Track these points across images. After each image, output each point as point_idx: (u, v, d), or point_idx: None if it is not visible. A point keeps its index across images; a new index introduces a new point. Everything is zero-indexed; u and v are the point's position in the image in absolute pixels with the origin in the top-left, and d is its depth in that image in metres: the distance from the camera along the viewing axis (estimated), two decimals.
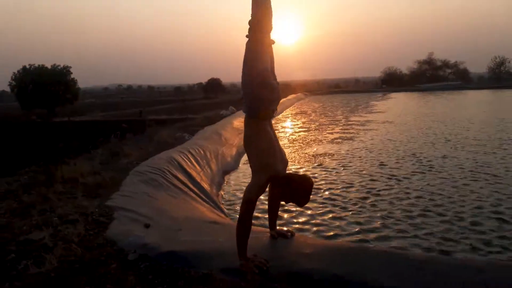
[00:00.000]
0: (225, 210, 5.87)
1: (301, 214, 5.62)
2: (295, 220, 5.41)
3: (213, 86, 65.36)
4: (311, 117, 21.16)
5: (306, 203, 3.06)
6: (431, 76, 64.47)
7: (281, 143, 3.74)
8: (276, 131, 3.38)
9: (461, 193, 6.40)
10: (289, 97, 35.36)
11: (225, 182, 7.84)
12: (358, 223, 5.25)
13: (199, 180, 6.70)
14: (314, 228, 5.12)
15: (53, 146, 6.17)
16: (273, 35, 3.02)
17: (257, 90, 2.89)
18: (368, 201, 6.17)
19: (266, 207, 3.41)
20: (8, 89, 39.53)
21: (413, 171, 8.04)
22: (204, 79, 73.20)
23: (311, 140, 12.89)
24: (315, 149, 11.15)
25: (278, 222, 3.57)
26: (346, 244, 3.35)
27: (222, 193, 7.04)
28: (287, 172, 3.13)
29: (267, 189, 3.10)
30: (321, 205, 5.98)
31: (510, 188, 6.56)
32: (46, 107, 35.89)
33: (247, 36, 2.87)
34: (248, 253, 2.86)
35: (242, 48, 2.91)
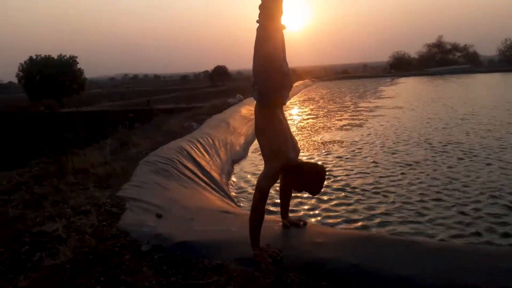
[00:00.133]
0: (235, 200, 5.87)
1: (308, 201, 5.60)
2: (302, 208, 5.39)
3: (219, 74, 65.01)
4: (319, 104, 21.02)
5: (319, 192, 3.03)
6: (440, 59, 63.58)
7: None
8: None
9: (473, 179, 6.34)
10: (296, 83, 35.11)
11: (234, 171, 7.83)
12: (368, 211, 5.23)
13: (208, 170, 6.70)
14: (323, 215, 5.11)
15: (62, 137, 6.17)
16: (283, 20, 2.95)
17: (269, 77, 2.84)
18: (378, 188, 6.13)
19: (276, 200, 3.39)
20: (15, 80, 39.69)
21: (424, 157, 7.97)
22: (210, 67, 72.90)
23: (319, 127, 12.82)
24: (323, 136, 11.09)
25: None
26: (360, 233, 3.33)
27: (232, 182, 7.04)
28: (299, 160, 3.10)
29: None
30: (330, 193, 5.95)
31: None
32: (54, 97, 36.03)
33: (257, 21, 2.81)
34: (261, 243, 2.85)
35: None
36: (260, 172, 6.87)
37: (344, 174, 6.98)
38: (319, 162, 7.27)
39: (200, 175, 6.23)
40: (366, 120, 13.67)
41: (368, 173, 6.98)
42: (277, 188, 3.46)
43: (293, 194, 3.53)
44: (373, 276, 2.44)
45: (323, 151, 9.13)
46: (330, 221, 4.97)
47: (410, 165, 7.42)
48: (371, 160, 7.93)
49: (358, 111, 16.65)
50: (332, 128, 12.50)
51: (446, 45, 65.79)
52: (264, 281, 2.52)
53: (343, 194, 5.95)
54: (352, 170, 7.24)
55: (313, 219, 4.96)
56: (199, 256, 2.90)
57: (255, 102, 3.02)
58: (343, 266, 2.55)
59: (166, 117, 12.78)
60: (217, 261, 2.80)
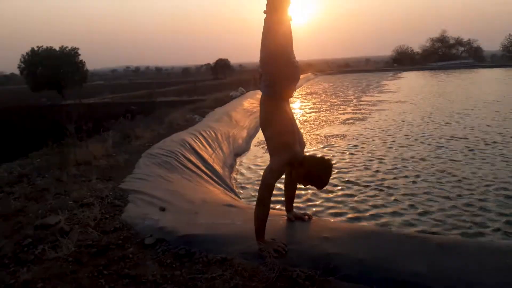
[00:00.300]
0: (238, 193, 5.84)
1: (311, 195, 5.56)
2: (302, 201, 5.36)
3: (221, 67, 64.78)
4: (321, 98, 20.93)
5: (324, 186, 2.99)
6: (444, 54, 63.24)
7: None
8: None
9: (476, 174, 6.29)
10: None
11: (237, 165, 7.79)
12: (369, 205, 5.20)
13: (211, 163, 6.66)
14: (324, 210, 5.08)
15: (64, 129, 6.13)
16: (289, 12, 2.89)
17: (278, 68, 2.78)
18: (381, 183, 6.09)
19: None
20: (17, 71, 39.57)
21: (428, 152, 7.92)
22: (211, 60, 72.63)
23: (322, 121, 12.75)
24: (326, 130, 11.03)
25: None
26: (367, 227, 3.29)
27: (235, 175, 7.01)
28: (304, 154, 3.05)
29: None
30: (332, 187, 5.92)
31: None
32: (55, 89, 35.96)
33: (265, 12, 2.75)
34: (266, 237, 2.82)
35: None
36: (263, 166, 6.89)
37: (347, 167, 6.94)
38: (327, 157, 7.23)
39: (203, 168, 6.20)
40: (369, 114, 13.59)
41: (371, 168, 6.93)
42: (283, 181, 3.41)
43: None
44: (381, 272, 2.40)
45: (326, 144, 9.08)
46: (331, 212, 4.97)
47: (413, 159, 7.38)
48: (374, 154, 7.88)
49: (361, 105, 16.56)
50: (335, 122, 12.43)
51: (450, 39, 65.39)
52: (269, 276, 2.49)
53: (345, 188, 5.91)
54: (354, 164, 7.20)
55: (313, 211, 4.93)
56: (203, 250, 2.86)
57: (258, 95, 2.97)
58: (350, 261, 2.51)
59: (169, 109, 12.73)
60: (222, 255, 2.76)
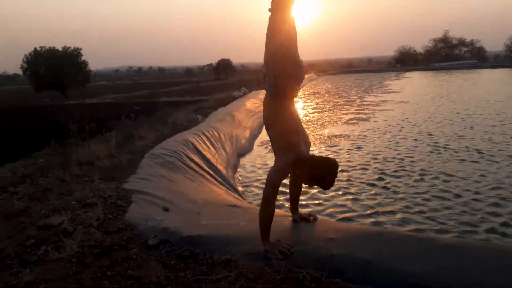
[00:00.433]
0: (242, 193, 5.81)
1: (313, 196, 5.53)
2: (306, 202, 5.33)
3: (224, 67, 64.75)
4: (324, 98, 20.90)
5: (330, 187, 2.94)
6: (446, 54, 63.13)
7: None
8: None
9: (478, 175, 6.26)
10: None
11: (240, 165, 7.77)
12: (373, 206, 5.18)
13: (214, 163, 6.64)
14: (328, 210, 5.06)
15: (67, 129, 6.11)
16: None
17: (283, 67, 2.75)
18: (384, 183, 6.07)
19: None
20: (20, 72, 39.66)
21: (430, 152, 7.88)
22: (214, 60, 72.64)
23: (325, 121, 12.72)
24: (330, 130, 11.00)
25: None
26: (373, 228, 3.25)
27: (238, 175, 6.98)
28: (310, 154, 3.02)
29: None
30: (336, 187, 5.88)
31: None
32: (58, 89, 36.03)
33: (269, 10, 2.72)
34: (271, 238, 2.78)
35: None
36: (266, 166, 6.86)
37: (350, 168, 6.91)
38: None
39: (206, 168, 6.17)
40: (373, 115, 13.55)
41: (374, 168, 6.90)
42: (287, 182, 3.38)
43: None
44: (387, 273, 2.37)
45: (329, 145, 9.05)
46: (331, 214, 4.95)
47: (416, 159, 7.35)
48: (378, 155, 7.85)
49: (364, 105, 16.52)
50: (338, 122, 12.40)
51: (453, 40, 65.27)
52: (275, 278, 2.45)
53: (346, 188, 5.89)
54: (358, 164, 7.18)
55: (316, 211, 4.90)
56: (208, 251, 2.83)
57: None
58: (357, 262, 2.47)
59: (171, 110, 12.71)
60: (226, 256, 2.73)
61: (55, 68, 35.38)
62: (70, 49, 38.29)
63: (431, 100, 17.20)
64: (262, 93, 16.07)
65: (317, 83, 34.47)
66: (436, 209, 4.97)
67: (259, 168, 7.28)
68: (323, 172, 2.79)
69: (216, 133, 8.58)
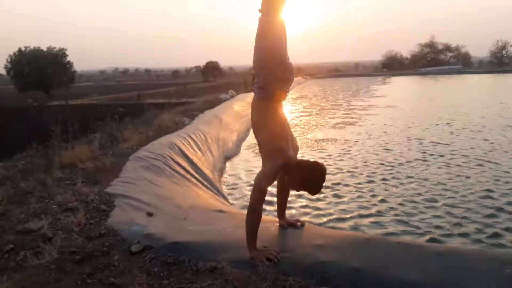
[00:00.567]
0: (228, 197, 5.74)
1: (296, 200, 5.49)
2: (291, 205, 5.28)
3: (211, 69, 64.58)
4: (312, 101, 20.96)
5: (318, 192, 2.91)
6: (432, 59, 63.99)
7: None
8: None
9: (462, 181, 6.27)
10: None
11: (227, 168, 7.69)
12: (359, 210, 5.18)
13: (200, 166, 6.55)
14: (314, 214, 5.06)
15: (50, 130, 5.97)
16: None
17: (272, 70, 2.69)
18: (371, 187, 6.08)
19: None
20: (3, 71, 39.07)
21: (417, 157, 7.92)
22: (201, 62, 72.39)
23: (312, 125, 12.72)
24: (317, 134, 10.99)
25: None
26: (361, 235, 3.21)
27: (224, 179, 6.91)
28: (298, 158, 2.97)
29: None
30: (323, 192, 5.85)
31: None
32: (42, 90, 35.53)
33: (260, 11, 2.67)
34: (258, 244, 2.72)
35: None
36: (253, 170, 6.77)
37: (336, 172, 6.91)
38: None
39: (192, 171, 6.08)
40: (359, 119, 13.61)
41: (361, 172, 6.91)
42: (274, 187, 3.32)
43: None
44: (377, 281, 2.32)
45: (316, 149, 9.03)
46: (320, 216, 4.95)
47: (403, 164, 7.37)
48: (365, 159, 7.86)
49: (351, 109, 16.60)
50: (325, 126, 12.42)
51: (438, 45, 66.20)
52: (261, 285, 2.39)
53: (335, 192, 5.87)
54: (344, 168, 7.18)
55: (302, 216, 4.86)
56: (193, 258, 2.75)
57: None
58: (345, 270, 2.42)
59: (157, 111, 12.58)
60: (212, 263, 2.65)
61: (39, 69, 34.92)
62: (55, 50, 37.82)
63: (417, 105, 17.38)
64: (249, 96, 16.02)
65: (304, 87, 34.58)
66: (422, 214, 4.97)
67: (246, 172, 7.22)
68: (311, 177, 2.75)
69: (202, 136, 8.50)
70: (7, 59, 36.39)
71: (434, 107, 16.44)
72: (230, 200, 5.59)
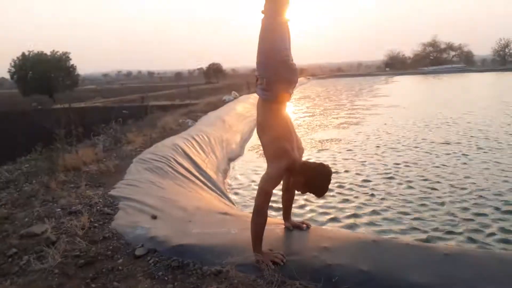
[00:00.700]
0: (233, 199, 5.70)
1: (300, 201, 5.44)
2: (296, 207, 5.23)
3: (214, 71, 64.65)
4: (315, 102, 20.91)
5: (324, 194, 2.86)
6: (435, 58, 63.78)
7: None
8: None
9: (471, 180, 6.21)
10: None
11: (231, 170, 7.66)
12: (366, 212, 5.12)
13: (204, 168, 6.52)
14: (321, 217, 4.99)
15: (54, 133, 5.95)
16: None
17: (276, 71, 2.65)
18: (375, 188, 6.02)
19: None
20: (8, 76, 39.21)
21: (421, 156, 7.86)
22: (204, 64, 72.49)
23: (316, 125, 12.67)
24: (320, 134, 10.94)
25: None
26: (367, 236, 3.16)
27: (228, 180, 6.87)
28: (303, 160, 2.92)
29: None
30: (328, 193, 5.81)
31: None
32: (46, 93, 35.65)
33: (262, 12, 2.63)
34: (263, 247, 2.68)
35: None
36: (257, 171, 6.73)
37: (341, 172, 6.87)
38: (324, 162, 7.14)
39: (196, 173, 6.05)
40: (363, 119, 13.55)
41: (366, 173, 6.86)
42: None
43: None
44: (386, 284, 2.28)
45: (320, 149, 8.99)
46: (326, 218, 4.91)
47: (407, 164, 7.32)
48: (369, 159, 7.81)
49: (354, 109, 16.53)
50: (329, 126, 12.36)
51: (441, 44, 65.99)
52: None
53: (340, 193, 5.83)
54: (349, 169, 7.14)
55: (308, 218, 4.82)
56: (198, 261, 2.72)
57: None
58: (353, 273, 2.38)
59: (161, 114, 12.57)
60: (217, 266, 2.62)
61: (43, 72, 35.04)
62: (58, 54, 37.94)
63: (420, 104, 17.28)
64: (252, 97, 16.00)
65: (307, 87, 34.52)
66: (427, 215, 4.92)
67: (250, 173, 7.18)
68: (317, 180, 2.72)
69: (206, 138, 8.47)
70: (10, 63, 36.55)
71: (438, 106, 16.35)
72: (234, 202, 5.55)
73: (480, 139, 9.23)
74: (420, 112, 14.55)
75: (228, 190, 6.18)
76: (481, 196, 5.43)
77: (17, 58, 36.55)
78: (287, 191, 3.12)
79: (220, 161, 7.72)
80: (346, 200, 5.53)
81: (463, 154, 7.87)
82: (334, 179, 6.30)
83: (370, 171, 6.96)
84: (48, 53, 37.51)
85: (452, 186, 5.95)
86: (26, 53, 36.73)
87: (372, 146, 9.09)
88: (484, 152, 7.97)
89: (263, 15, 2.66)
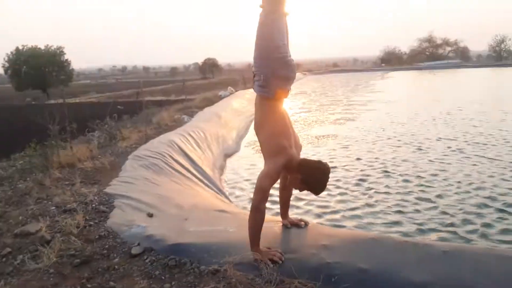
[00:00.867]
0: (229, 196, 5.66)
1: (298, 198, 5.41)
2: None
3: (210, 66, 64.38)
4: (311, 97, 20.87)
5: (322, 191, 2.83)
6: (431, 54, 63.80)
7: None
8: None
9: (466, 176, 6.23)
10: None
11: (227, 166, 7.62)
12: (362, 209, 5.12)
13: (200, 164, 6.48)
14: (314, 212, 5.01)
15: (48, 129, 5.89)
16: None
17: (273, 67, 2.61)
18: (372, 184, 6.03)
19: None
20: (1, 70, 38.88)
21: (416, 152, 7.89)
22: (199, 59, 72.19)
23: (312, 121, 12.64)
24: (317, 130, 10.92)
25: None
26: (366, 234, 3.14)
27: (225, 177, 6.84)
28: (301, 157, 2.89)
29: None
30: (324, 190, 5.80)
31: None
32: (40, 88, 35.40)
33: (261, 6, 2.58)
34: (261, 245, 2.65)
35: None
36: (254, 167, 6.68)
37: (337, 168, 6.85)
38: (321, 159, 7.12)
39: (192, 170, 6.01)
40: (359, 114, 13.53)
41: (362, 169, 6.86)
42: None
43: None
44: (385, 282, 2.26)
45: (316, 145, 8.97)
46: (323, 217, 4.87)
47: (403, 159, 7.33)
48: (366, 155, 7.80)
49: (350, 105, 16.52)
50: (325, 122, 12.34)
51: (437, 39, 65.97)
52: None
53: (336, 190, 5.82)
54: (345, 164, 7.14)
55: (305, 215, 4.80)
56: (195, 260, 2.68)
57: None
58: (352, 271, 2.36)
59: (156, 109, 12.50)
60: (215, 265, 2.59)
61: (37, 67, 34.77)
62: (52, 48, 37.64)
63: (416, 100, 17.30)
64: (248, 93, 15.93)
65: (303, 83, 34.42)
66: (418, 210, 4.93)
67: (247, 169, 7.15)
68: (315, 177, 2.69)
69: (202, 134, 8.42)
70: (4, 58, 36.25)
71: (433, 101, 16.37)
72: (231, 199, 5.51)
73: (475, 135, 9.24)
74: (415, 108, 14.56)
75: (224, 187, 6.15)
76: (477, 195, 5.43)
77: (11, 52, 36.26)
78: (285, 188, 3.09)
79: (216, 157, 7.68)
80: (343, 197, 5.52)
81: (458, 149, 7.89)
82: (331, 176, 6.30)
83: (367, 167, 6.95)
84: (42, 48, 37.23)
85: (448, 182, 5.96)
86: (20, 48, 36.44)
87: (368, 142, 9.08)
88: (480, 148, 7.97)
89: (261, 10, 2.61)
